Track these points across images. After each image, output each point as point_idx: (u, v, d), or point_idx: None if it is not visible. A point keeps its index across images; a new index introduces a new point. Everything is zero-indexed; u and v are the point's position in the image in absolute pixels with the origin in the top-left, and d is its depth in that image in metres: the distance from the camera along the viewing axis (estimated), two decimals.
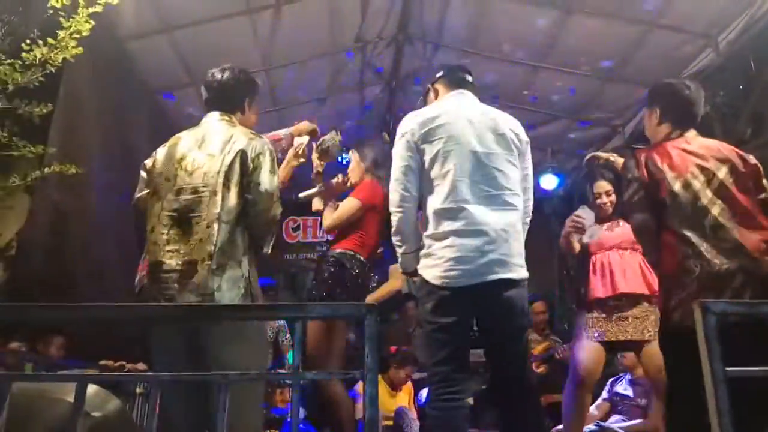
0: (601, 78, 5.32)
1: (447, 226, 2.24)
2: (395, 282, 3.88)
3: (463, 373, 2.25)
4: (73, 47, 2.86)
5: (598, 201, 3.43)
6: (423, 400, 4.58)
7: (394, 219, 2.37)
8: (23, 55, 2.78)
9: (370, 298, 3.37)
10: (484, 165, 2.29)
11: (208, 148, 2.25)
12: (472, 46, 5.25)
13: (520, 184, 2.40)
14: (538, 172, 6.79)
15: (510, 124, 2.44)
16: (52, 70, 2.88)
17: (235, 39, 4.77)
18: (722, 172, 2.33)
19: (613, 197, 3.39)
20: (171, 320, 1.57)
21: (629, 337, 3.16)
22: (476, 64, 5.34)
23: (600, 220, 3.44)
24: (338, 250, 3.07)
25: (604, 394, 4.43)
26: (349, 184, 3.33)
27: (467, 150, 2.29)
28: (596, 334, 3.20)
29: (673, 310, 2.26)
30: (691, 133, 2.48)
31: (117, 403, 1.62)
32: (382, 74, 6.02)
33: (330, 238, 3.40)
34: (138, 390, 2.82)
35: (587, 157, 3.28)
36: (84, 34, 2.87)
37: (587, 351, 3.20)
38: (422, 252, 2.34)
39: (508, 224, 2.26)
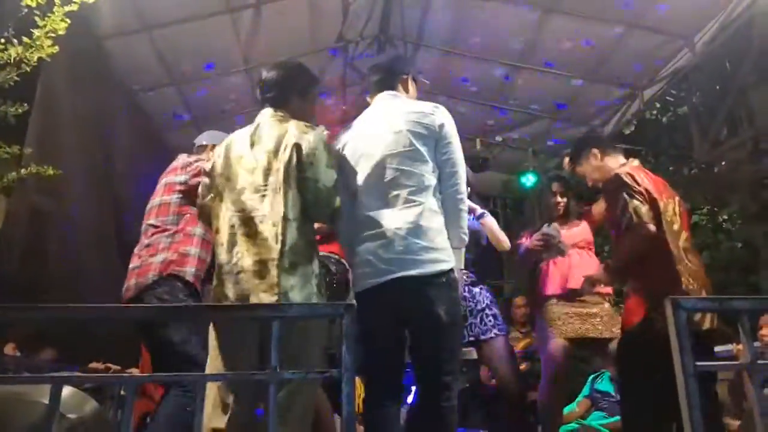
0: (581, 78, 5.38)
1: (356, 235, 2.27)
2: None
3: (394, 381, 2.25)
4: (49, 46, 2.81)
5: (551, 200, 3.56)
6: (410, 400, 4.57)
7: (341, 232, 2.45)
8: None
9: None
10: (380, 168, 2.26)
11: (264, 145, 2.21)
12: (453, 46, 5.28)
13: (442, 169, 2.30)
14: (518, 171, 6.88)
15: (414, 116, 2.32)
16: (28, 69, 2.84)
17: (216, 38, 4.75)
18: (677, 202, 2.59)
19: (565, 200, 3.54)
20: (139, 321, 1.56)
21: (597, 334, 3.20)
22: (456, 64, 5.39)
23: (553, 219, 3.52)
24: (322, 254, 3.06)
25: (585, 391, 4.48)
26: None
27: (367, 159, 2.30)
28: (561, 331, 3.23)
29: (656, 320, 2.34)
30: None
31: (94, 404, 1.61)
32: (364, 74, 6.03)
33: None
34: (122, 392, 2.79)
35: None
36: (60, 32, 2.82)
37: (555, 347, 3.24)
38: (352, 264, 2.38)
39: (408, 222, 2.18)
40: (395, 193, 2.22)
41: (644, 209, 2.45)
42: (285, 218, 2.09)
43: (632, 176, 2.56)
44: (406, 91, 2.55)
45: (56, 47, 2.85)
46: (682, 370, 1.38)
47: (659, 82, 5.28)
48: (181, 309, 1.45)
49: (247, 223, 2.11)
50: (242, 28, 4.73)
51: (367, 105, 2.58)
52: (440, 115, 2.33)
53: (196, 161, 2.75)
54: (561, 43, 4.93)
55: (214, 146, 2.92)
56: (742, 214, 5.63)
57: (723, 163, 5.73)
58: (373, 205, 2.23)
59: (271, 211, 2.10)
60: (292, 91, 2.40)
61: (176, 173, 2.74)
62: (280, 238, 2.05)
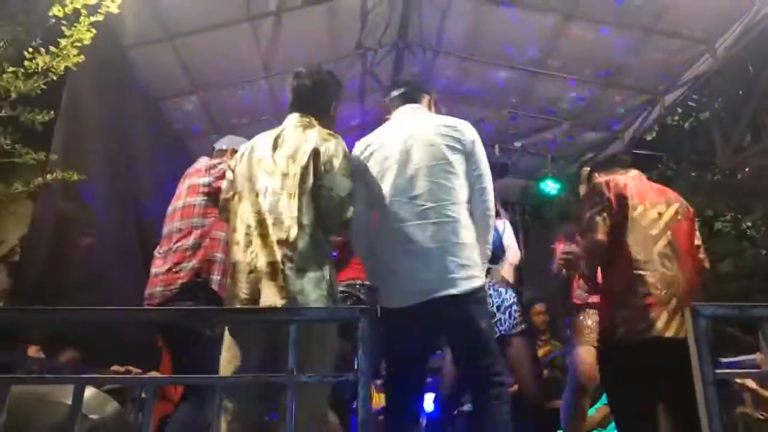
0: (600, 84, 5.35)
1: (386, 248, 2.27)
2: None
3: (416, 402, 2.32)
4: (74, 55, 2.89)
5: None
6: (432, 408, 4.55)
7: (356, 242, 2.45)
8: (25, 63, 2.81)
9: None
10: (416, 181, 2.26)
11: (285, 149, 2.24)
12: (471, 53, 5.29)
13: (472, 186, 2.34)
14: (538, 177, 6.84)
15: (446, 131, 2.36)
16: (54, 78, 2.91)
17: (237, 46, 4.81)
18: (673, 209, 2.59)
19: None
20: (161, 324, 1.59)
21: None
22: (475, 71, 5.40)
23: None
24: (345, 283, 3.02)
25: (605, 399, 4.43)
26: None
27: (398, 170, 2.29)
28: (588, 339, 3.21)
29: (618, 326, 2.45)
30: (642, 176, 2.74)
31: (115, 405, 1.64)
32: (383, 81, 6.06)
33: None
34: (143, 395, 2.83)
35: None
36: (85, 42, 2.89)
37: (584, 356, 3.21)
38: (373, 273, 2.38)
39: (444, 239, 2.20)
40: (430, 206, 2.23)
41: (598, 219, 2.52)
42: (298, 223, 2.11)
43: (606, 183, 2.62)
44: (429, 108, 2.58)
45: (82, 56, 2.92)
46: (701, 378, 1.37)
47: (680, 87, 5.22)
48: (198, 312, 1.47)
49: (263, 225, 2.14)
50: (262, 36, 4.79)
51: (383, 114, 2.62)
52: (470, 131, 2.39)
53: (220, 163, 2.76)
54: (580, 49, 4.90)
55: (234, 150, 2.96)
56: (767, 221, 5.54)
57: (747, 169, 5.65)
58: (406, 218, 2.23)
59: (285, 215, 2.12)
60: (322, 100, 2.44)
61: (200, 175, 2.75)
62: (292, 241, 2.08)
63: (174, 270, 2.54)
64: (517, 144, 6.52)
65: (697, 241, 2.66)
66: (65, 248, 3.68)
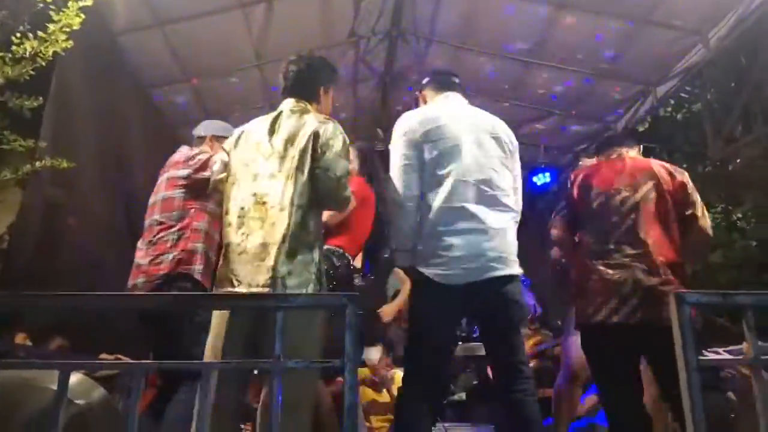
0: (593, 74, 5.34)
1: (448, 225, 2.29)
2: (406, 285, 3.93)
3: (441, 379, 2.40)
4: (63, 41, 2.86)
5: None
6: None
7: (396, 216, 2.39)
8: (13, 48, 2.78)
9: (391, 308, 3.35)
10: (482, 166, 2.35)
11: (282, 133, 2.27)
12: (465, 42, 5.27)
13: (512, 185, 2.47)
14: (531, 167, 6.85)
15: (503, 127, 2.51)
16: (43, 63, 2.88)
17: (228, 34, 4.78)
18: (644, 189, 2.57)
19: None
20: (151, 310, 1.59)
21: None
22: (468, 60, 5.38)
23: None
24: (326, 247, 3.06)
25: (594, 388, 4.46)
26: None
27: (468, 151, 2.35)
28: None
29: (577, 314, 2.62)
30: (631, 153, 2.77)
31: (102, 392, 1.64)
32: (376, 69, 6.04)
33: None
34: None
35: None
36: (74, 27, 2.86)
37: (574, 344, 3.23)
38: (422, 250, 2.34)
39: (504, 223, 2.34)
40: (491, 193, 2.34)
41: (560, 215, 2.73)
42: (292, 204, 2.14)
43: (574, 177, 2.74)
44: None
45: (71, 42, 2.89)
46: (684, 365, 1.38)
47: (673, 78, 5.23)
48: (183, 298, 1.47)
49: (258, 207, 2.17)
50: (254, 23, 4.75)
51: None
52: (513, 135, 2.55)
53: (198, 154, 2.77)
54: (573, 39, 4.89)
55: (214, 137, 2.96)
56: (757, 213, 5.57)
57: (738, 160, 5.67)
58: (469, 199, 2.31)
59: (280, 197, 2.15)
60: (316, 84, 2.46)
61: (179, 168, 2.77)
62: (284, 223, 2.11)
63: (155, 262, 2.57)
64: None
65: (691, 211, 2.58)
66: (54, 236, 3.66)
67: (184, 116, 5.50)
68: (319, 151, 2.19)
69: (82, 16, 2.87)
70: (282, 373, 1.35)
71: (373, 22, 5.29)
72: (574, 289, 2.66)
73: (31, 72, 2.87)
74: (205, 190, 2.69)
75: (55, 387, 1.34)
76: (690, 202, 2.59)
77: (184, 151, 2.86)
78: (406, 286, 3.88)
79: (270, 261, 2.06)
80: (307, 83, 2.42)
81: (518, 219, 2.52)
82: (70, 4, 2.82)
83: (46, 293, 1.43)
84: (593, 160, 3.11)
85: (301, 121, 2.28)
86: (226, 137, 2.93)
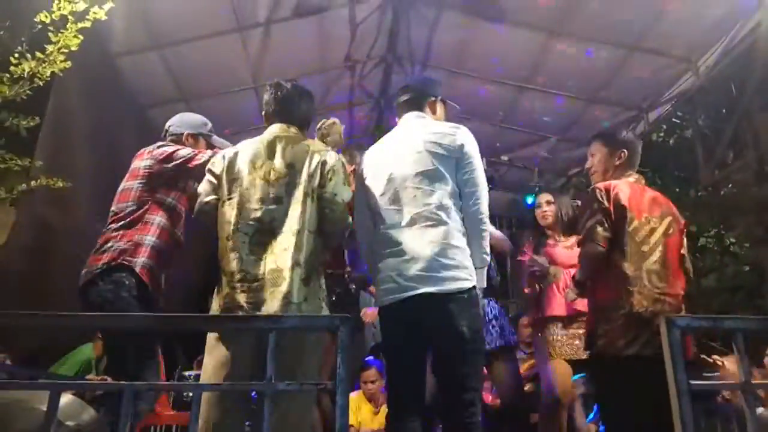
0: (585, 99, 5.42)
1: (377, 251, 2.33)
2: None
3: (417, 394, 2.27)
4: (61, 61, 2.89)
5: (538, 210, 3.60)
6: None
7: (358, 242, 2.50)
8: (11, 68, 2.80)
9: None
10: (403, 188, 2.32)
11: (287, 158, 2.26)
12: (459, 67, 5.34)
13: (463, 189, 2.34)
14: (525, 191, 6.89)
15: (433, 137, 2.37)
16: (41, 83, 2.91)
17: (225, 56, 4.83)
18: (665, 223, 2.56)
19: (553, 207, 3.55)
20: (148, 331, 1.58)
21: None
22: (462, 85, 5.45)
23: (544, 229, 3.55)
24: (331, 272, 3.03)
25: (591, 416, 4.42)
26: None
27: (387, 177, 2.36)
28: (560, 352, 3.21)
29: (599, 338, 2.47)
30: (641, 180, 2.70)
31: (92, 413, 1.62)
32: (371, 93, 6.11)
33: None
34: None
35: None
36: (73, 48, 2.89)
37: (558, 369, 3.21)
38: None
39: (431, 241, 2.22)
40: (416, 211, 2.27)
41: (600, 229, 2.48)
42: (305, 230, 2.15)
43: (606, 191, 2.56)
44: (434, 112, 2.59)
45: (69, 63, 2.92)
46: (675, 388, 1.39)
47: (664, 104, 5.31)
48: (178, 319, 1.47)
49: (265, 233, 2.14)
50: (251, 46, 4.81)
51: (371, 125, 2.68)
52: (461, 136, 2.37)
53: (164, 145, 2.70)
54: (565, 65, 4.97)
55: (191, 135, 2.85)
56: (749, 237, 5.61)
57: (729, 185, 5.73)
58: (394, 224, 2.28)
59: (292, 222, 2.15)
60: (306, 111, 2.48)
61: (142, 158, 2.67)
62: (299, 248, 2.11)
63: (100, 251, 2.48)
64: (504, 158, 6.58)
65: (683, 251, 2.63)
66: (47, 255, 3.64)
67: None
68: (328, 177, 2.24)
69: (81, 37, 2.90)
70: (281, 396, 1.34)
71: (369, 47, 5.36)
72: (596, 311, 2.56)
73: (29, 92, 2.90)
74: (166, 183, 2.61)
75: (44, 408, 1.33)
76: (684, 242, 2.64)
77: (154, 144, 2.74)
78: None
79: (285, 287, 2.04)
80: (297, 109, 2.44)
81: (482, 224, 2.35)
82: (68, 25, 2.86)
83: (47, 312, 1.43)
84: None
85: (301, 147, 2.29)
86: (204, 135, 2.89)
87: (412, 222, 2.26)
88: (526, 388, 5.09)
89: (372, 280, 2.45)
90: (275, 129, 2.38)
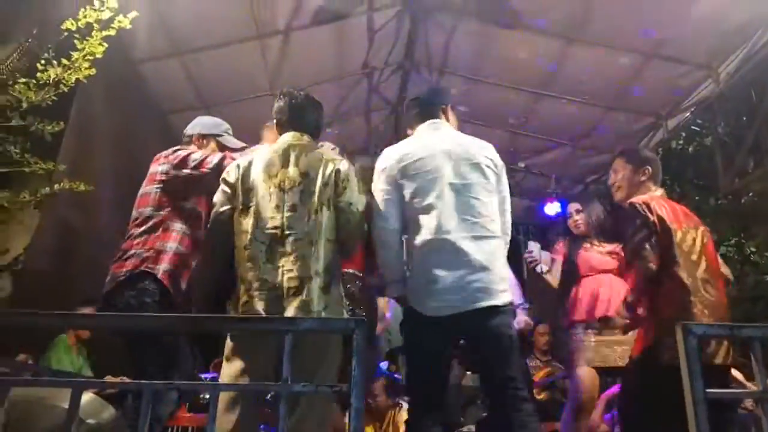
0: (603, 106, 5.39)
1: (432, 258, 2.30)
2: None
3: (442, 401, 2.34)
4: (86, 68, 2.95)
5: (570, 220, 3.66)
6: None
7: (378, 250, 2.42)
8: (38, 75, 2.87)
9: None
10: (462, 195, 2.35)
11: (302, 166, 2.27)
12: (476, 74, 5.35)
13: (499, 207, 2.44)
14: (542, 198, 6.87)
15: (484, 151, 2.47)
16: (65, 89, 2.97)
17: (245, 64, 4.89)
18: (701, 232, 2.56)
19: (583, 216, 3.58)
20: (178, 331, 1.61)
21: (625, 363, 3.16)
22: (480, 91, 5.45)
23: (581, 238, 3.55)
24: (347, 271, 3.04)
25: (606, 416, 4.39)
26: None
27: (446, 182, 2.36)
28: (591, 357, 3.20)
29: (666, 352, 2.38)
30: (664, 195, 2.71)
31: (112, 411, 1.66)
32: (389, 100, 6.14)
33: None
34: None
35: None
36: (97, 56, 2.96)
37: (585, 376, 3.20)
38: (411, 283, 2.38)
39: (489, 252, 2.30)
40: (474, 221, 2.32)
41: (648, 245, 2.46)
42: (323, 238, 2.16)
43: (646, 205, 2.54)
44: (447, 119, 2.62)
45: (93, 69, 2.98)
46: (691, 396, 1.38)
47: (684, 111, 5.26)
48: (196, 320, 1.49)
49: (284, 242, 2.15)
50: (270, 53, 4.86)
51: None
52: (496, 154, 2.51)
53: (179, 149, 2.69)
54: (584, 72, 4.95)
55: (201, 136, 2.84)
56: None
57: (750, 194, 5.66)
58: (452, 230, 2.30)
59: (310, 231, 2.16)
60: (317, 120, 2.51)
61: (159, 163, 2.67)
62: (318, 257, 2.12)
63: (123, 258, 2.48)
64: (521, 164, 6.57)
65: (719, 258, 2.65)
66: (70, 257, 3.71)
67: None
68: (342, 185, 2.25)
69: (105, 45, 2.96)
70: (299, 401, 1.36)
71: (387, 54, 5.39)
72: (658, 324, 2.48)
73: (54, 97, 2.96)
74: (183, 187, 2.60)
75: (65, 405, 1.37)
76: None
77: (171, 149, 2.74)
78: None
79: (305, 295, 2.06)
80: (309, 118, 2.46)
81: (507, 242, 2.49)
82: (93, 33, 2.92)
83: (73, 312, 1.47)
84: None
85: (315, 155, 2.30)
86: (215, 135, 2.86)
87: (471, 230, 2.31)
88: (540, 396, 5.07)
89: (415, 285, 2.37)
90: (288, 137, 2.39)
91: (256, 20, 4.51)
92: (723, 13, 4.13)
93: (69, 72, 2.92)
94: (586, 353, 3.21)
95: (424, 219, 2.33)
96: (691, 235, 2.53)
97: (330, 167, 2.26)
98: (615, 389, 4.29)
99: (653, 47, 4.57)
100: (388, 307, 4.85)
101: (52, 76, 2.89)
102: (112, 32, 2.95)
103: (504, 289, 2.31)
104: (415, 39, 5.23)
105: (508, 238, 2.51)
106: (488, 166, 2.43)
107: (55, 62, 2.90)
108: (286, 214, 2.18)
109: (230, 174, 2.33)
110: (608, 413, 4.38)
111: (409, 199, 2.36)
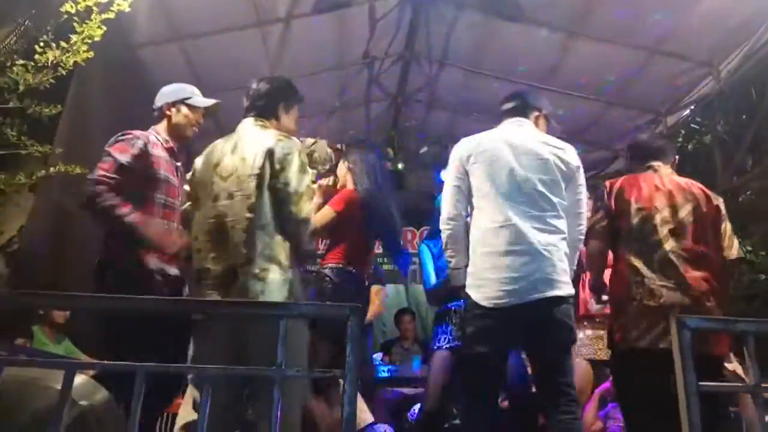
0: (603, 102, 5.38)
1: (493, 246, 2.33)
2: (374, 307, 4.02)
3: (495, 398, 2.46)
4: (84, 51, 2.93)
5: None
6: (414, 415, 4.55)
7: (443, 235, 2.49)
8: (36, 57, 2.85)
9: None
10: (524, 187, 2.37)
11: (240, 152, 2.27)
12: (477, 66, 5.33)
13: (570, 208, 2.44)
14: None
15: (555, 150, 2.47)
16: (63, 72, 2.95)
17: (245, 51, 4.85)
18: (685, 210, 2.52)
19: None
20: (170, 314, 1.61)
21: None
22: (480, 83, 5.44)
23: None
24: (330, 265, 3.04)
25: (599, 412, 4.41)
26: (339, 186, 3.31)
27: (508, 172, 2.38)
28: (585, 352, 3.21)
29: (615, 332, 2.49)
30: (666, 170, 2.68)
31: (105, 393, 1.66)
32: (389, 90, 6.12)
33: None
34: None
35: None
36: (96, 39, 2.94)
37: (577, 369, 3.20)
38: (469, 270, 2.41)
39: (550, 243, 2.31)
40: (538, 214, 2.33)
41: (599, 225, 2.54)
42: (255, 224, 2.13)
43: (609, 188, 2.61)
44: (537, 126, 2.64)
45: (92, 52, 2.96)
46: (684, 389, 1.38)
47: (684, 108, 5.25)
48: (190, 303, 1.49)
49: (220, 230, 2.16)
50: (271, 41, 4.83)
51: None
52: (576, 156, 2.51)
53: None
54: (584, 66, 4.94)
55: (172, 104, 2.90)
56: (766, 245, 5.54)
57: (748, 192, 5.66)
58: (514, 218, 2.31)
59: (241, 217, 2.14)
60: (277, 104, 2.49)
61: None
62: (250, 244, 2.10)
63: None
64: None
65: (719, 240, 2.57)
66: (64, 239, 3.70)
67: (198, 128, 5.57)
68: (278, 167, 2.19)
69: (104, 28, 2.94)
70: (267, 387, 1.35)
71: (387, 44, 5.37)
72: (612, 306, 2.60)
73: (51, 80, 2.94)
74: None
75: (58, 386, 1.36)
76: (721, 229, 2.59)
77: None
78: (372, 308, 4.06)
79: (240, 284, 2.06)
80: (265, 101, 2.47)
81: (580, 244, 2.50)
82: (92, 16, 2.90)
83: (74, 293, 1.46)
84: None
85: (257, 139, 2.28)
86: (182, 99, 2.91)
87: (533, 221, 2.31)
88: (534, 389, 5.09)
89: (474, 273, 2.40)
90: (243, 124, 2.42)
91: (257, 7, 4.48)
92: (726, 10, 4.12)
93: (67, 55, 2.91)
94: (580, 347, 3.23)
95: (486, 207, 2.38)
96: (663, 214, 2.49)
97: (263, 149, 2.22)
98: (607, 385, 4.32)
99: (655, 43, 4.55)
100: (381, 297, 4.84)
101: (51, 58, 2.87)
102: (111, 15, 2.94)
103: (566, 281, 2.33)
104: (416, 29, 5.20)
105: (580, 245, 2.49)
106: (557, 165, 2.42)
107: (53, 45, 2.88)
108: (224, 202, 2.19)
109: (191, 171, 2.43)
110: (602, 410, 4.41)
111: (475, 186, 2.42)
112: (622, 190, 2.57)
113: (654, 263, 2.44)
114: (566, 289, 2.31)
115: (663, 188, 2.57)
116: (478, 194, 2.41)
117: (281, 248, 2.19)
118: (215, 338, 2.09)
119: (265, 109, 2.45)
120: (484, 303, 2.31)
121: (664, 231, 2.48)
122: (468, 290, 2.38)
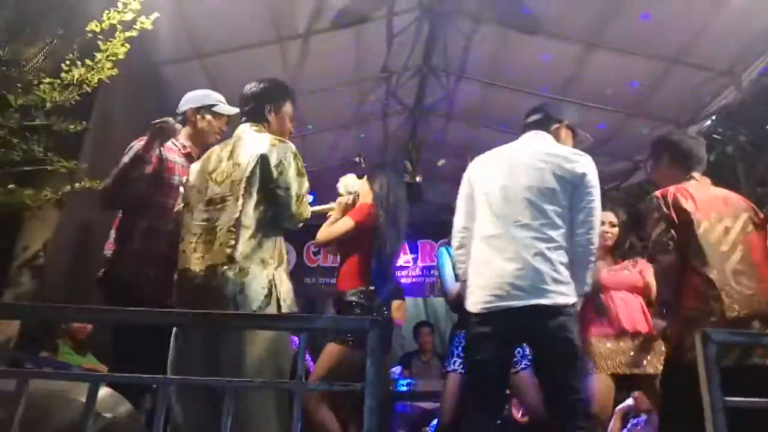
0: (623, 113, 5.34)
1: (481, 255, 2.38)
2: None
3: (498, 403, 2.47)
4: (108, 69, 3.00)
5: (601, 229, 3.48)
6: (433, 429, 4.52)
7: (453, 247, 2.60)
8: (62, 75, 2.91)
9: None
10: (513, 197, 2.39)
11: (236, 157, 2.31)
12: (494, 79, 5.34)
13: (575, 217, 2.38)
14: None
15: (557, 159, 2.43)
16: (88, 89, 3.01)
17: (264, 67, 4.89)
18: (741, 220, 2.42)
19: (615, 230, 3.46)
20: (183, 326, 1.63)
21: (641, 371, 3.13)
22: (497, 97, 5.44)
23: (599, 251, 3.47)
24: (351, 291, 3.02)
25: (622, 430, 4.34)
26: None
27: (500, 184, 2.43)
28: (603, 366, 3.16)
29: (689, 350, 2.28)
30: (706, 180, 2.60)
31: (128, 406, 1.67)
32: (406, 104, 6.15)
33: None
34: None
35: None
36: (120, 56, 3.00)
37: (598, 384, 3.16)
38: (467, 282, 2.47)
39: (539, 252, 2.29)
40: (527, 222, 2.34)
41: (666, 238, 2.39)
42: (239, 224, 2.16)
43: (663, 197, 2.48)
44: (557, 138, 2.64)
45: (116, 70, 3.03)
46: (710, 405, 1.36)
47: (705, 118, 5.19)
48: (204, 316, 1.51)
49: (209, 232, 2.22)
50: (290, 57, 4.89)
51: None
52: (583, 164, 2.44)
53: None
54: (603, 78, 4.91)
55: (197, 110, 2.93)
56: None
57: None
58: (504, 230, 2.35)
59: (227, 219, 2.19)
60: (264, 106, 2.50)
61: None
62: (232, 243, 2.14)
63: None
64: None
65: None
66: (89, 254, 3.75)
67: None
68: (274, 172, 2.22)
69: (128, 46, 3.00)
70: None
71: (405, 58, 5.40)
72: (682, 322, 2.40)
73: (77, 97, 3.01)
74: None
75: (83, 399, 1.38)
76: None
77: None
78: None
79: (218, 282, 2.10)
80: (253, 104, 2.49)
81: (591, 256, 2.40)
82: (116, 34, 2.96)
83: (95, 307, 1.49)
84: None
85: (252, 144, 2.32)
86: (209, 106, 2.93)
87: (522, 231, 2.32)
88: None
89: (469, 283, 2.46)
90: (238, 129, 2.46)
91: (276, 24, 4.55)
92: (746, 19, 4.07)
93: (92, 72, 2.97)
94: (600, 361, 3.18)
95: (478, 219, 2.44)
96: (723, 224, 2.39)
97: (258, 153, 2.25)
98: (629, 402, 4.25)
99: (675, 53, 4.52)
100: (402, 311, 4.83)
101: (76, 76, 2.93)
102: (134, 33, 2.99)
103: (558, 290, 2.28)
104: (433, 43, 5.23)
105: (588, 253, 2.38)
106: (556, 173, 2.39)
107: (79, 63, 2.94)
108: (216, 206, 2.25)
109: (188, 175, 2.51)
110: (624, 428, 4.34)
111: (475, 200, 2.49)
112: (678, 201, 2.44)
113: (727, 274, 2.31)
114: (557, 299, 2.26)
115: (716, 198, 2.48)
116: (476, 207, 2.49)
117: (267, 250, 2.22)
118: (193, 343, 2.14)
119: (254, 113, 2.49)
120: (472, 309, 2.36)
121: (729, 240, 2.37)
122: (465, 301, 2.45)
